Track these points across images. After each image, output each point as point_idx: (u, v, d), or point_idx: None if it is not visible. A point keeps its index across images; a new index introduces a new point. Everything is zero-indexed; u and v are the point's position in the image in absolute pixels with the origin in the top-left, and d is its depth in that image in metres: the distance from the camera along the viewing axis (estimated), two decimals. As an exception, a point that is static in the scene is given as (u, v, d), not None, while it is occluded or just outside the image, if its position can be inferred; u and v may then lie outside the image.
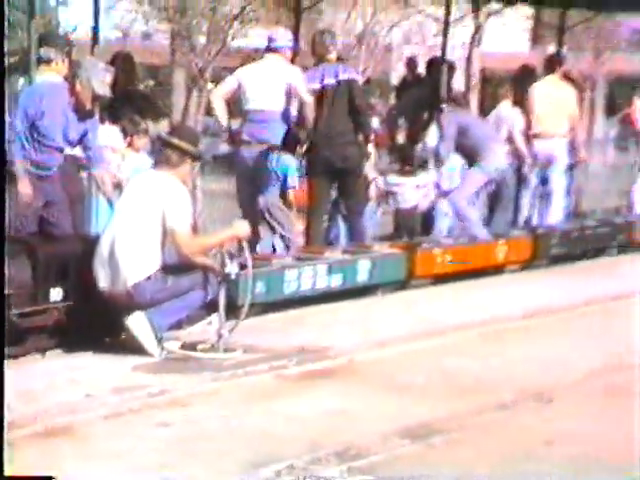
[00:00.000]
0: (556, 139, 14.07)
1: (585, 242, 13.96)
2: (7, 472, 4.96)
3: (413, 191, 13.25)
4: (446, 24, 14.06)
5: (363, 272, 10.93)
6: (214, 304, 8.45)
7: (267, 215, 11.16)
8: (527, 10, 27.33)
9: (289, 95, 10.62)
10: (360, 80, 11.75)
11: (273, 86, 10.64)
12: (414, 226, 13.39)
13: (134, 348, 8.20)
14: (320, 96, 11.24)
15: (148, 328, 8.22)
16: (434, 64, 14.33)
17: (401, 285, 11.37)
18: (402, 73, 15.93)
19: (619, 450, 6.42)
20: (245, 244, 8.75)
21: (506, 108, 13.83)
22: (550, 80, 14.31)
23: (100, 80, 9.14)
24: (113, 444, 6.31)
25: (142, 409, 6.98)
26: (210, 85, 24.60)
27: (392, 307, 10.59)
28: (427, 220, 13.62)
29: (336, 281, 10.65)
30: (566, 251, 13.56)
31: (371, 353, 8.59)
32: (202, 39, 25.28)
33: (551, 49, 18.79)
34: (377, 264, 11.12)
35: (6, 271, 5.95)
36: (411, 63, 16.23)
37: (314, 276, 10.41)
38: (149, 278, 8.31)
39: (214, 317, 8.48)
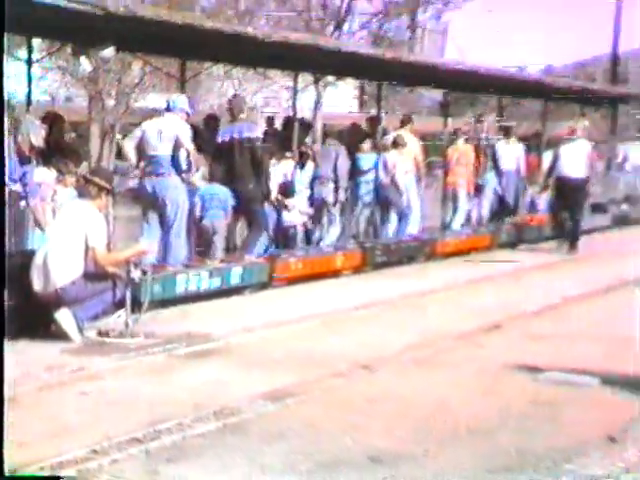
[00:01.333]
0: (408, 174, 14.52)
1: (401, 253, 14.08)
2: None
3: (297, 215, 13.27)
4: (295, 92, 14.11)
5: (236, 276, 10.89)
6: (122, 301, 8.41)
7: (211, 229, 11.25)
8: (355, 82, 27.56)
9: (178, 145, 10.50)
10: (259, 136, 11.75)
11: (166, 138, 10.48)
12: (294, 239, 13.32)
13: (61, 336, 8.10)
14: (231, 146, 11.33)
15: (72, 320, 8.18)
16: (288, 122, 14.36)
17: (264, 286, 11.33)
18: (264, 129, 15.86)
19: (424, 407, 6.48)
20: (149, 255, 8.75)
21: (391, 153, 14.34)
22: (402, 132, 14.89)
23: (36, 134, 9.02)
24: (45, 409, 6.19)
25: (67, 382, 6.85)
26: (118, 136, 24.35)
27: (258, 302, 10.57)
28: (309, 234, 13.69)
29: (215, 283, 10.58)
30: (387, 259, 13.66)
31: (242, 337, 8.53)
32: (111, 102, 25.10)
33: (373, 112, 18.97)
34: (246, 270, 11.09)
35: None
36: (270, 121, 16.20)
37: (199, 279, 10.34)
38: (73, 282, 8.27)
39: (122, 311, 8.45)
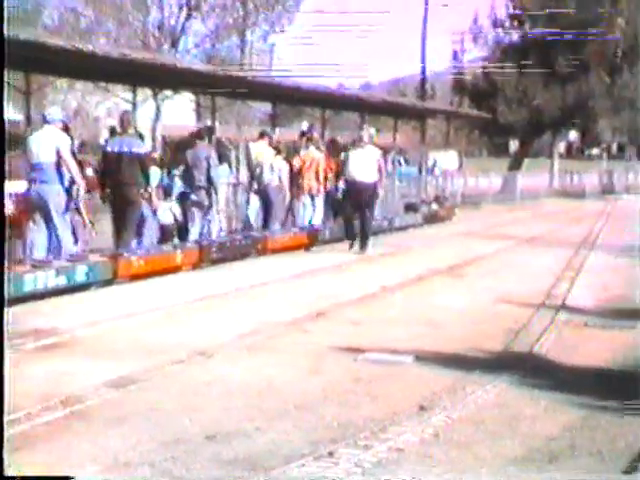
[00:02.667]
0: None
1: (235, 250, 14.04)
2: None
3: (167, 212, 13.40)
4: (134, 104, 13.95)
5: (81, 274, 10.62)
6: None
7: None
8: (191, 96, 27.32)
9: (58, 153, 10.74)
10: (145, 151, 12.37)
11: (47, 147, 10.75)
12: (171, 235, 13.58)
13: None
14: (119, 156, 11.95)
15: None
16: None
17: (109, 282, 11.09)
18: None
19: (256, 387, 6.46)
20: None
21: (277, 160, 15.48)
22: (260, 143, 15.64)
23: None
24: None
25: None
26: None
27: (102, 298, 10.33)
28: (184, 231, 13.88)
29: (62, 281, 10.28)
30: (223, 256, 13.60)
31: (87, 330, 8.31)
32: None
33: (208, 122, 18.88)
34: (92, 268, 10.83)
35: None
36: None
37: (46, 278, 10.03)
38: None
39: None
